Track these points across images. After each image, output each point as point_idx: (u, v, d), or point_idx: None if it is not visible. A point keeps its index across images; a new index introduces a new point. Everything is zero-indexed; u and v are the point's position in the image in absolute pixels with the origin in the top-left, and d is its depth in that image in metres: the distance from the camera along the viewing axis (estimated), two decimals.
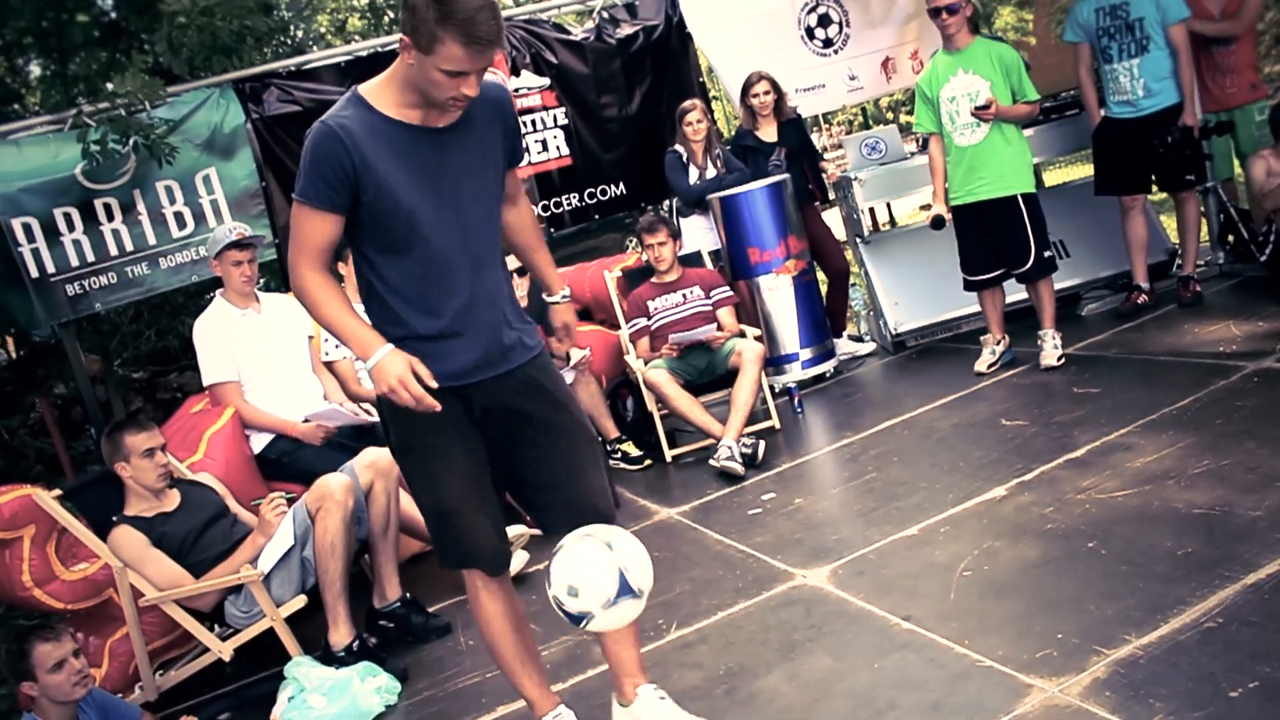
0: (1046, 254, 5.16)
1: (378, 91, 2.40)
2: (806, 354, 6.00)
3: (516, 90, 6.68)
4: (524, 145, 2.75)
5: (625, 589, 2.41)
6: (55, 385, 12.20)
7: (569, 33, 6.98)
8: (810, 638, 3.09)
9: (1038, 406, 4.59)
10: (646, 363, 5.30)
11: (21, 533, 3.97)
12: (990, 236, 5.19)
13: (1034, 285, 5.18)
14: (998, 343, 5.32)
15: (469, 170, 2.47)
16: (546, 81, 6.83)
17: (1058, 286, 5.54)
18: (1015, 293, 5.46)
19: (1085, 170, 7.98)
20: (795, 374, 5.95)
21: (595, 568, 2.41)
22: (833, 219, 7.04)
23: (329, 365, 4.95)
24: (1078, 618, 2.75)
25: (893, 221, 7.96)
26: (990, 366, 5.27)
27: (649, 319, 5.50)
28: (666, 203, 6.93)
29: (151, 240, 6.13)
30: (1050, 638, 2.68)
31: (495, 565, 2.73)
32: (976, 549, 3.33)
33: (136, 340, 10.54)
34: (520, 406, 2.59)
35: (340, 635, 3.70)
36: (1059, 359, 5.04)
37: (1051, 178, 9.55)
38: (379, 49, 6.64)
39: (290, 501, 3.85)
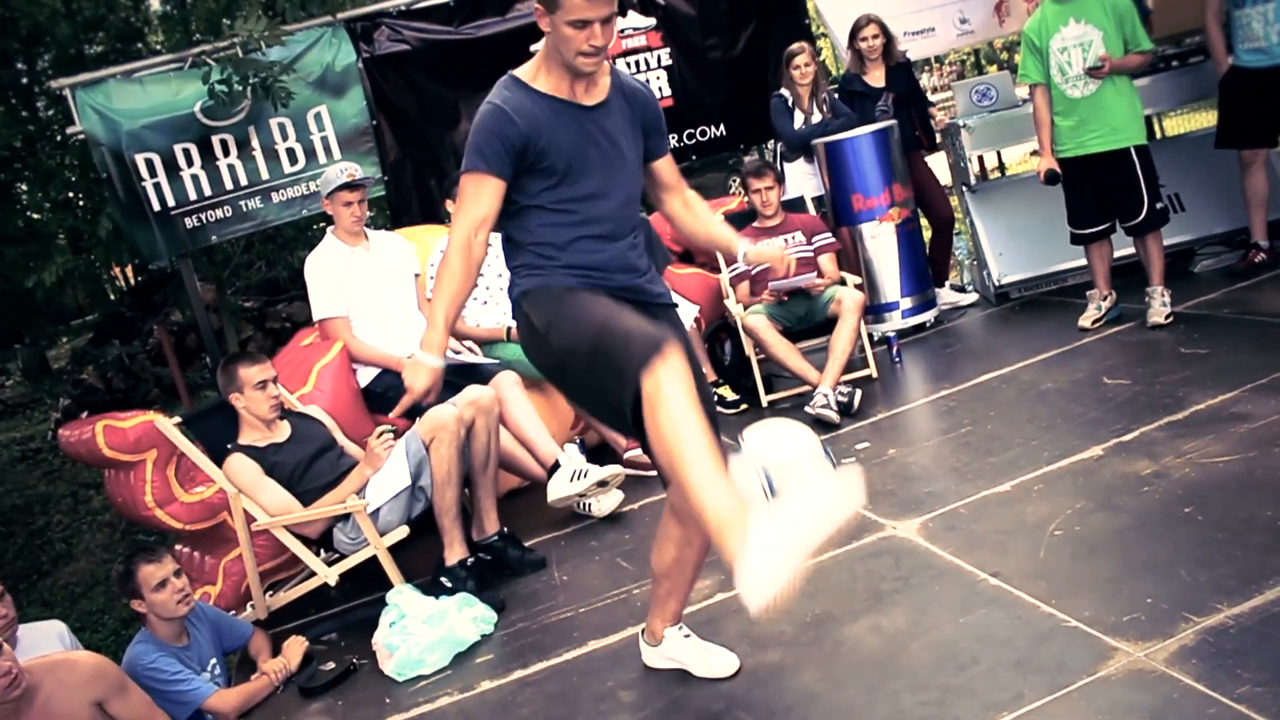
0: (1159, 205, 5.02)
1: (530, 72, 2.60)
2: (907, 303, 5.95)
3: (622, 31, 6.68)
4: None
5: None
6: (171, 313, 12.70)
7: None
8: (897, 589, 3.13)
9: (1142, 365, 4.51)
10: (746, 307, 5.33)
11: (144, 456, 4.20)
12: (1100, 189, 5.07)
13: (1143, 239, 5.05)
14: (1104, 298, 5.22)
15: (612, 143, 2.65)
16: (653, 22, 6.80)
17: (1170, 242, 5.41)
18: (1124, 247, 5.33)
19: (1204, 120, 7.70)
20: (895, 323, 5.92)
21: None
22: (940, 165, 6.93)
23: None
24: (1169, 583, 2.73)
25: (1002, 169, 7.74)
26: (1095, 322, 5.17)
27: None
28: (770, 145, 6.89)
29: (265, 175, 6.32)
30: (1139, 602, 2.68)
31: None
32: (1069, 508, 3.31)
33: (248, 270, 10.87)
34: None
35: (455, 553, 3.90)
36: (1167, 317, 4.92)
37: (1171, 127, 9.23)
38: None
39: (396, 435, 3.99)
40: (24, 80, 9.46)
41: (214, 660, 3.66)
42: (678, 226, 2.92)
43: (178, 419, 4.22)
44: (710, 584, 3.49)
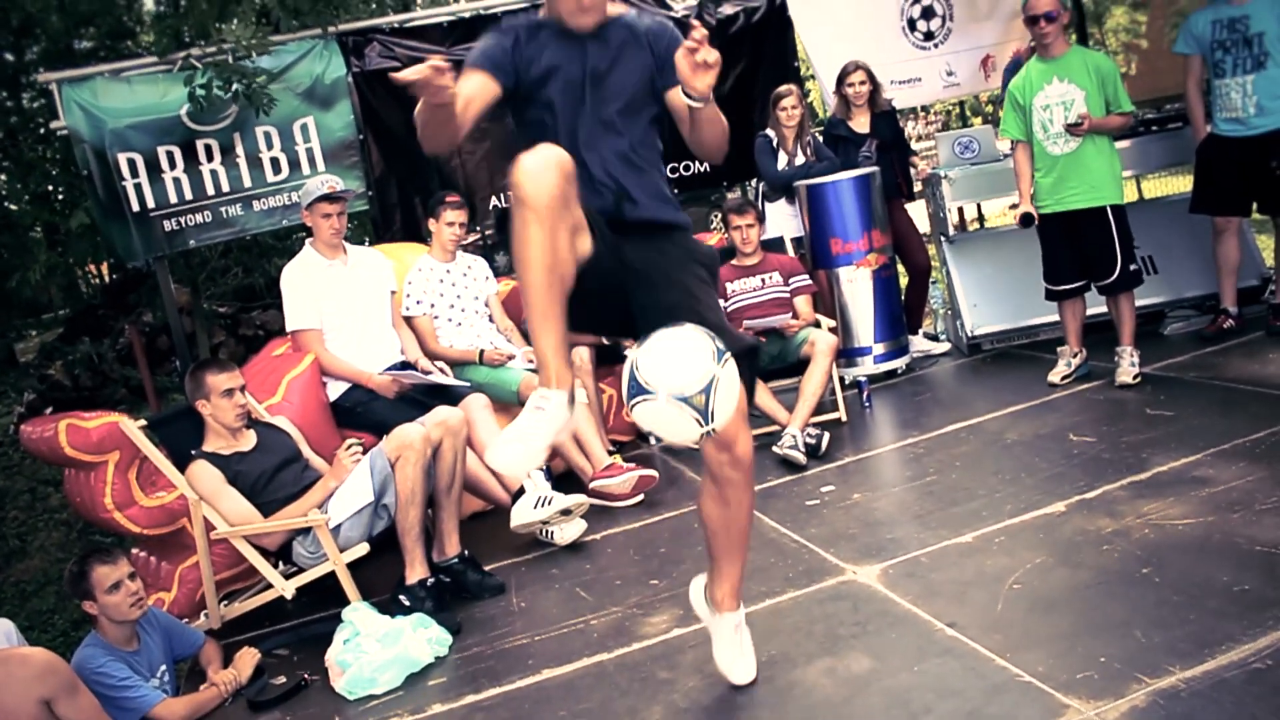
0: (1132, 267, 5.09)
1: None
2: (880, 349, 5.99)
3: None
4: None
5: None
6: (144, 313, 12.60)
7: (670, 9, 6.98)
8: (854, 634, 3.13)
9: (1108, 424, 4.55)
10: None
11: (106, 457, 4.16)
12: (1076, 247, 5.13)
13: (1115, 299, 5.11)
14: (1074, 355, 5.27)
15: (597, 75, 2.74)
16: None
17: (1142, 303, 5.47)
18: (1096, 305, 5.38)
19: (1180, 184, 7.82)
20: (867, 368, 5.95)
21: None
22: (919, 213, 7.00)
23: (408, 320, 5.07)
24: (1123, 643, 2.75)
25: (981, 220, 7.83)
26: (1064, 378, 5.22)
27: (726, 300, 5.53)
28: (753, 184, 6.94)
29: (247, 183, 6.30)
30: (1093, 660, 2.69)
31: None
32: (1029, 563, 3.33)
33: (224, 275, 10.83)
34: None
35: (415, 573, 3.88)
36: (1135, 377, 4.97)
37: (1148, 189, 9.35)
38: (481, 11, 6.70)
39: (364, 450, 3.97)
40: (10, 71, 9.42)
41: (164, 667, 3.61)
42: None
43: (143, 422, 4.19)
44: (668, 619, 3.48)
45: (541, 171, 2.34)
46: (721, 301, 5.51)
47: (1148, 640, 2.74)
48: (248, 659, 3.69)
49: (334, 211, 4.76)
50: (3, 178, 10.06)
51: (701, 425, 2.28)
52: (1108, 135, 5.06)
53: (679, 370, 2.26)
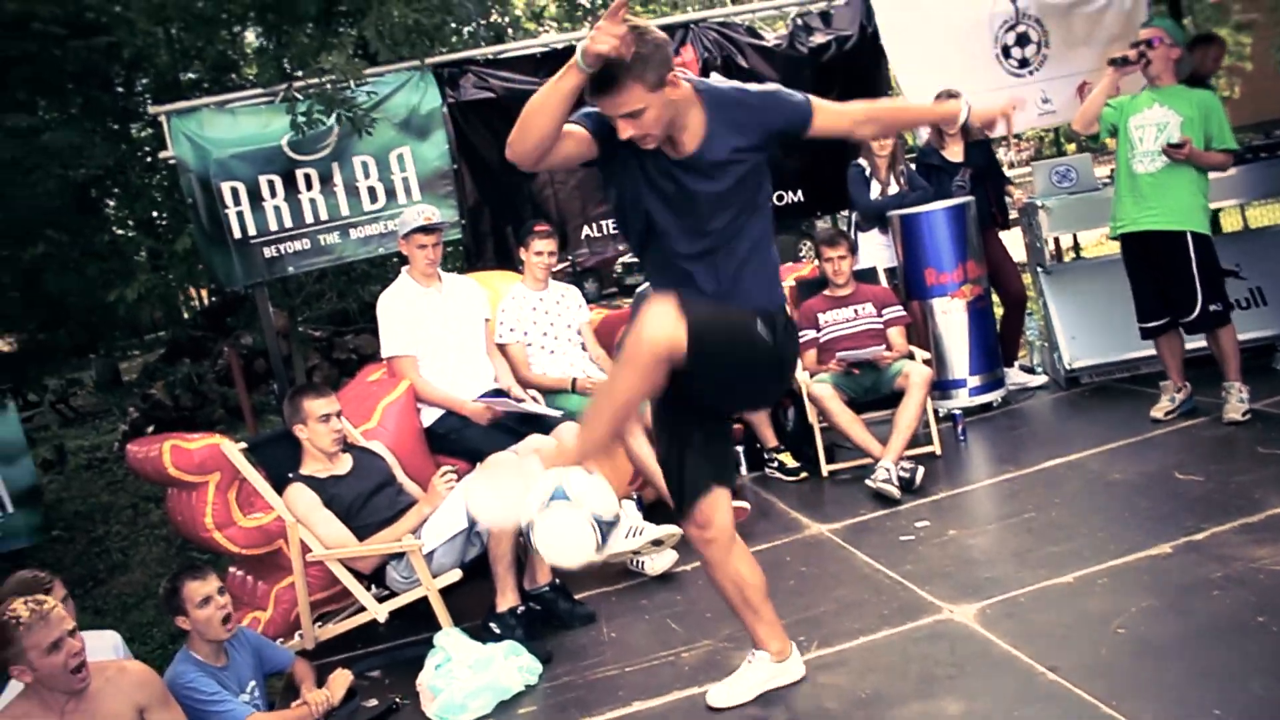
0: (1214, 307, 4.85)
1: None
2: (975, 381, 5.89)
3: None
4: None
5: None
6: (242, 336, 12.93)
7: (762, 38, 6.98)
8: (951, 675, 3.07)
9: (1216, 463, 4.40)
10: (812, 375, 5.30)
11: (208, 478, 4.27)
12: (1158, 278, 4.98)
13: (1214, 335, 4.94)
14: (1178, 390, 5.11)
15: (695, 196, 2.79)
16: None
17: (1252, 336, 5.32)
18: (1199, 339, 5.23)
19: None
20: (961, 400, 5.85)
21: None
22: (1014, 240, 6.88)
23: (502, 348, 5.12)
24: (1239, 696, 2.64)
25: (1077, 250, 7.67)
26: (1168, 414, 5.07)
27: (818, 331, 5.49)
28: (845, 214, 6.89)
29: (344, 211, 6.44)
30: (1206, 712, 2.59)
31: None
32: (1135, 606, 3.23)
33: (319, 300, 11.06)
34: None
35: (506, 600, 3.90)
36: (1244, 414, 4.80)
37: (1255, 218, 9.08)
38: (574, 42, 6.78)
39: (459, 477, 4.01)
40: (121, 104, 9.75)
41: (253, 683, 3.67)
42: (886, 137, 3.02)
43: (243, 444, 4.28)
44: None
45: (652, 341, 2.55)
46: (814, 332, 5.48)
47: (1267, 694, 2.63)
48: (341, 680, 3.74)
49: (429, 242, 4.83)
50: (112, 204, 10.42)
51: (596, 550, 2.66)
52: (1201, 168, 4.92)
53: (603, 497, 2.65)
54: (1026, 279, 6.77)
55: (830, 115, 2.91)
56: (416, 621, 4.11)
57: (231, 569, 4.80)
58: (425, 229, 4.80)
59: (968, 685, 2.99)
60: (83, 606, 7.93)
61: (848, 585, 3.89)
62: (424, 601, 3.98)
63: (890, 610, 3.59)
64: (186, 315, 18.65)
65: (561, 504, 2.59)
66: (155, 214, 9.72)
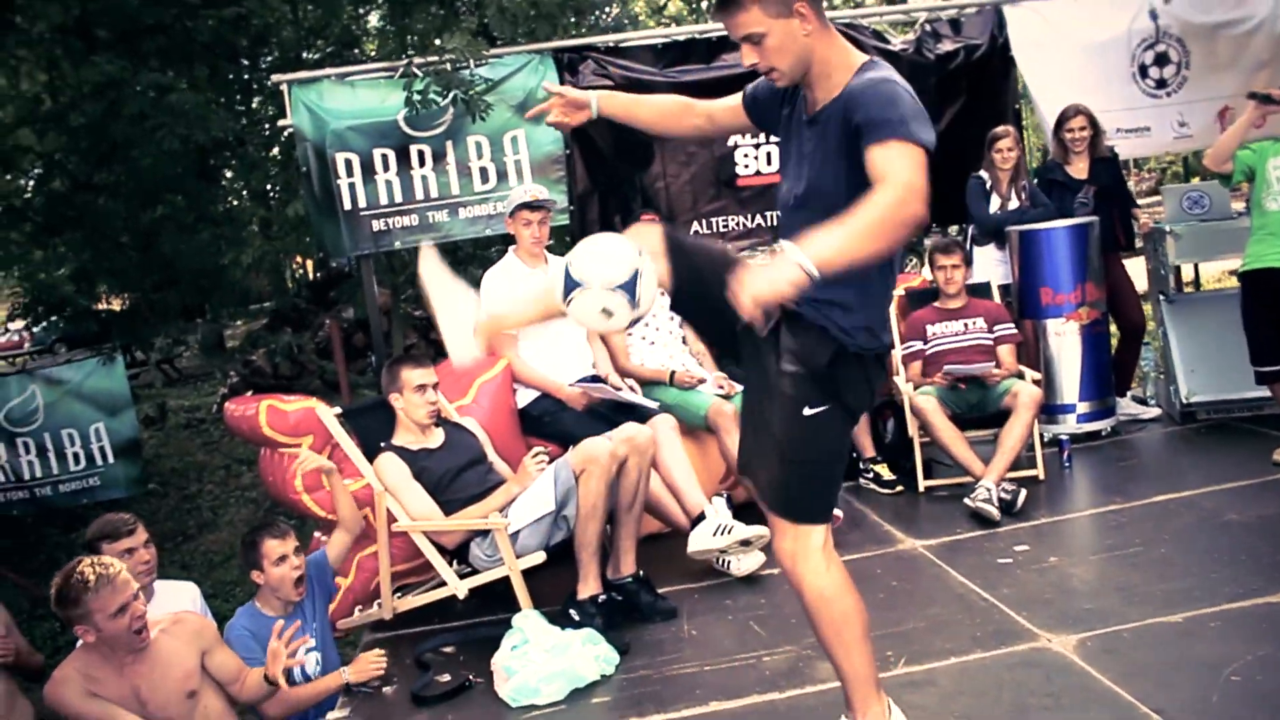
0: None
1: None
2: (1084, 408, 5.66)
3: None
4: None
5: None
6: (344, 310, 13.18)
7: (888, 42, 6.82)
8: (1046, 706, 2.92)
9: None
10: (916, 387, 5.15)
11: (301, 440, 4.29)
12: (1276, 317, 4.74)
13: None
14: None
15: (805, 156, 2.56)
16: None
17: None
18: None
19: None
20: (1069, 427, 5.62)
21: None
22: (1135, 269, 6.62)
23: (603, 337, 5.07)
24: None
25: (1197, 283, 7.35)
26: None
27: (925, 343, 5.34)
28: (959, 228, 6.70)
29: (455, 190, 6.47)
30: None
31: None
32: (1250, 654, 3.04)
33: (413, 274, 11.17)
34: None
35: (588, 588, 3.86)
36: None
37: None
38: (695, 35, 6.72)
39: (550, 459, 3.97)
40: (246, 77, 10.00)
41: (315, 624, 3.74)
42: None
43: (338, 410, 4.29)
44: None
45: None
46: (920, 344, 5.33)
47: None
48: (369, 669, 3.62)
49: (535, 219, 4.80)
50: (229, 175, 10.69)
51: (632, 309, 2.48)
52: None
53: (607, 264, 2.48)
54: (1146, 308, 6.51)
55: (887, 165, 2.29)
56: (495, 603, 4.07)
57: (317, 534, 4.84)
58: (531, 205, 4.77)
59: (1064, 718, 2.84)
60: (170, 560, 8.15)
61: (940, 604, 3.74)
62: (504, 582, 3.94)
63: (984, 633, 3.44)
64: (292, 286, 19.11)
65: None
66: (269, 186, 9.95)
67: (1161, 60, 7.01)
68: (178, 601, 3.79)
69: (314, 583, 3.90)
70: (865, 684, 2.58)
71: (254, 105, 10.26)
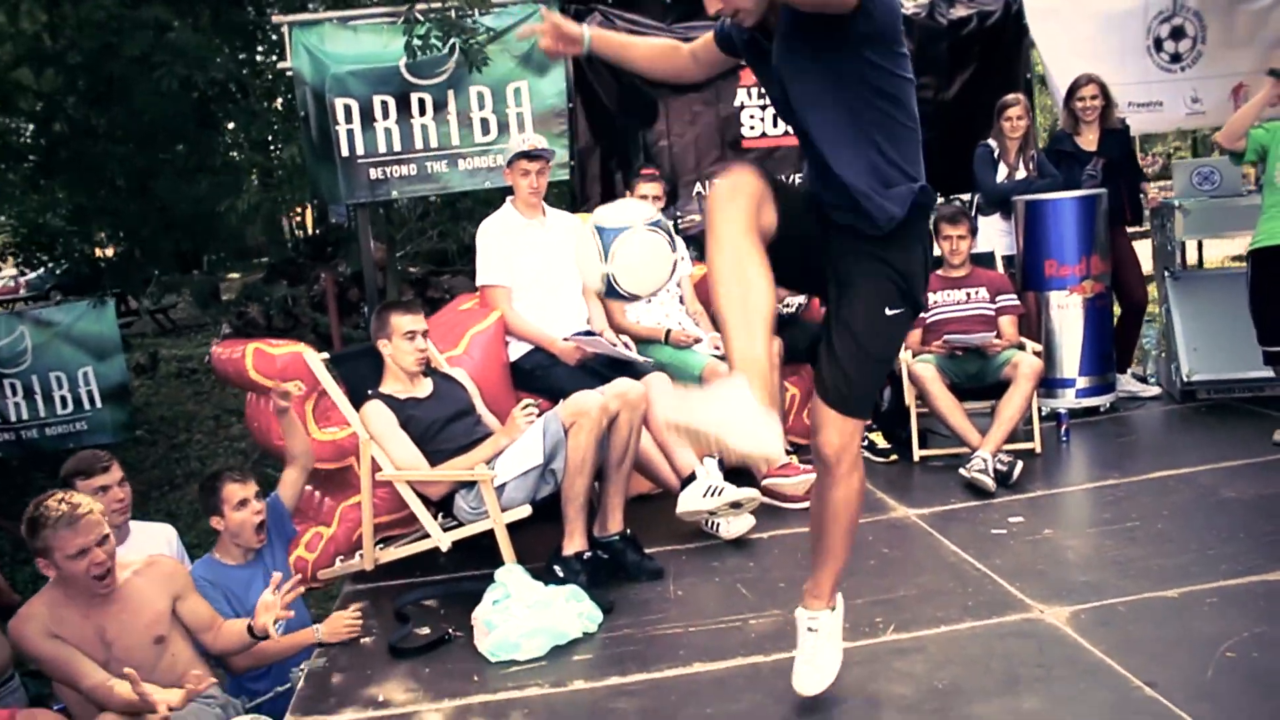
0: None
1: None
2: (1084, 382, 5.58)
3: None
4: None
5: None
6: (340, 264, 13.06)
7: (900, 5, 6.70)
8: (1038, 677, 2.85)
9: None
10: (915, 355, 5.07)
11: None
12: None
13: None
14: None
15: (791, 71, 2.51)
16: None
17: None
18: None
19: None
20: (1068, 401, 5.54)
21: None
22: (1142, 251, 6.52)
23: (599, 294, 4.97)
24: None
25: (1201, 262, 7.24)
26: None
27: (926, 311, 5.25)
28: (966, 197, 6.59)
29: (455, 141, 6.36)
30: None
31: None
32: (1247, 631, 2.97)
33: (420, 237, 11.08)
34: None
35: (574, 544, 3.78)
36: None
37: None
38: None
39: (540, 413, 3.89)
40: (250, 24, 9.82)
41: (277, 574, 3.61)
42: None
43: (325, 355, 4.20)
44: None
45: (728, 202, 2.36)
46: (922, 311, 5.23)
47: None
48: (343, 627, 3.54)
49: (533, 169, 4.68)
50: (231, 126, 10.52)
51: (673, 250, 2.60)
52: None
53: (632, 210, 2.62)
54: (1150, 288, 6.42)
55: None
56: (479, 558, 3.99)
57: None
58: (529, 155, 4.66)
59: (1055, 689, 2.77)
60: (156, 509, 8.07)
61: (931, 572, 3.68)
62: (488, 539, 3.86)
63: (975, 603, 3.37)
64: (290, 240, 18.97)
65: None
66: (270, 138, 9.81)
67: (1177, 34, 6.89)
68: (153, 544, 3.73)
69: (271, 529, 3.81)
70: (840, 579, 2.79)
71: (258, 55, 10.10)
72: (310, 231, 18.87)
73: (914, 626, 3.23)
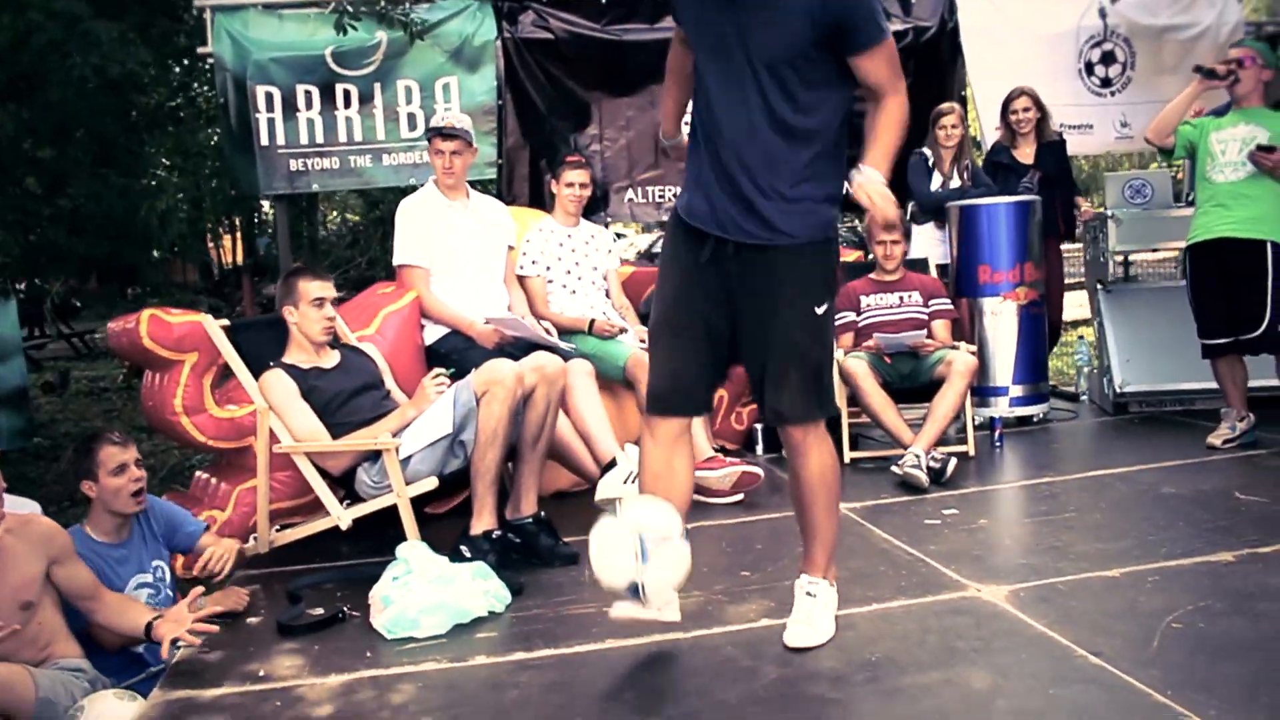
0: None
1: None
2: (1018, 390, 5.47)
3: None
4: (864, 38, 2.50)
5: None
6: (265, 287, 12.71)
7: None
8: (976, 649, 2.66)
9: None
10: (846, 354, 4.91)
11: (184, 358, 3.95)
12: (1227, 290, 4.60)
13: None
14: (1240, 419, 4.69)
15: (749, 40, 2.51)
16: None
17: None
18: (1266, 375, 4.81)
19: None
20: (1000, 410, 5.41)
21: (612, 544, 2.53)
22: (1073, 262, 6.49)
23: (521, 280, 4.77)
24: None
25: (1127, 273, 7.23)
26: (1226, 442, 4.64)
27: (858, 314, 5.11)
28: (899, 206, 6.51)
29: (380, 135, 6.18)
30: None
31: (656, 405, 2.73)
32: (1192, 605, 2.81)
33: (348, 265, 10.81)
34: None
35: (483, 522, 3.53)
36: None
37: None
38: None
39: (452, 380, 3.65)
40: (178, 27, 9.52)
41: (158, 562, 3.37)
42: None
43: (226, 323, 3.92)
44: (757, 608, 3.06)
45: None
46: (853, 315, 5.10)
47: None
48: (232, 598, 3.30)
49: (447, 149, 4.45)
50: (150, 138, 10.15)
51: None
52: None
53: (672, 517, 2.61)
54: (1079, 305, 6.37)
55: (884, 71, 2.57)
56: (385, 549, 3.69)
57: (198, 473, 4.48)
58: (444, 134, 4.44)
59: (996, 660, 2.58)
60: (60, 523, 7.61)
61: (862, 557, 3.48)
62: (395, 526, 3.58)
63: (909, 583, 3.18)
64: (216, 270, 18.58)
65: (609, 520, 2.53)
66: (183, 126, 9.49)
67: (1108, 59, 6.95)
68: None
69: (158, 532, 3.47)
70: (834, 550, 2.83)
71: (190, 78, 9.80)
72: (236, 261, 18.53)
73: (844, 605, 3.00)
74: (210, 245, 19.23)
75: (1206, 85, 4.73)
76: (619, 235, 4.95)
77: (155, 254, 11.85)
